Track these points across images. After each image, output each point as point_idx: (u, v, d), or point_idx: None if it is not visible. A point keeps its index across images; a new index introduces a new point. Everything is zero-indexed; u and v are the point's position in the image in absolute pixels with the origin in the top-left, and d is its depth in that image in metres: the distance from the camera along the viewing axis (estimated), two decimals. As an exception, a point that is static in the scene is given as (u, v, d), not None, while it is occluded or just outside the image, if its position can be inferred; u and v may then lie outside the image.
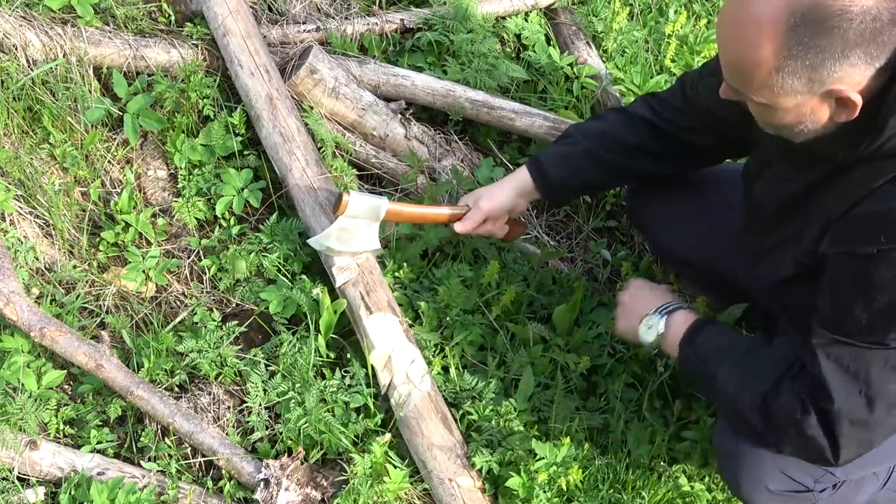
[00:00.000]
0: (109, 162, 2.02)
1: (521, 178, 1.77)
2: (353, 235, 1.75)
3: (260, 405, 1.76)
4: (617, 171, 1.74)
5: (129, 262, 1.89)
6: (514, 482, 1.63)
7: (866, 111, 1.15)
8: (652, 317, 1.54)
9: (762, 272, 1.48)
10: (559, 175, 1.73)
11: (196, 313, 1.84)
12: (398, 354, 1.74)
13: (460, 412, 1.77)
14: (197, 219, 1.99)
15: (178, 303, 1.91)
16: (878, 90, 1.14)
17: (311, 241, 1.79)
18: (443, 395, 1.77)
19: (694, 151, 1.67)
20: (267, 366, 1.79)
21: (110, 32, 2.02)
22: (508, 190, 1.77)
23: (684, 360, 1.47)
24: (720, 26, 1.19)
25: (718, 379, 1.39)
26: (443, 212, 1.79)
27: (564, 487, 1.65)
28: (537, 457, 1.66)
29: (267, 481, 1.64)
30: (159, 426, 1.73)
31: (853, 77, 1.12)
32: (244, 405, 1.77)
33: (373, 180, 2.13)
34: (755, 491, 1.43)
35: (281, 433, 1.73)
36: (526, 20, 2.45)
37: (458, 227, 1.77)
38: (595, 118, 1.85)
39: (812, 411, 1.25)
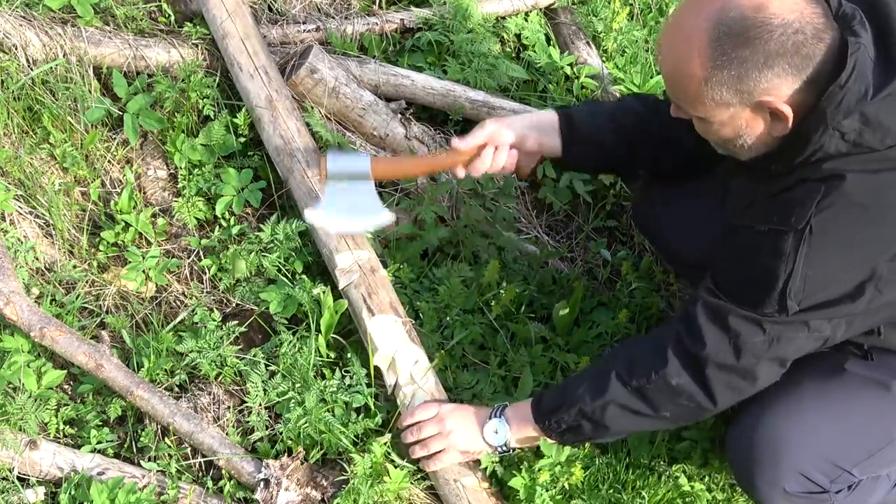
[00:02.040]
0: (109, 162, 2.02)
1: (545, 115, 1.69)
2: (348, 201, 1.67)
3: (260, 405, 1.76)
4: (630, 142, 1.68)
5: (129, 262, 1.89)
6: (515, 482, 1.63)
7: (799, 128, 1.22)
8: (491, 421, 1.59)
9: None
10: (585, 125, 1.66)
11: (196, 313, 1.84)
12: (401, 356, 1.74)
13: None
14: (197, 219, 1.99)
15: (178, 303, 1.91)
16: (809, 105, 1.19)
17: (307, 215, 1.70)
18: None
19: (680, 151, 1.67)
20: (267, 366, 1.79)
21: (110, 32, 2.02)
22: (524, 119, 1.68)
23: (546, 426, 1.53)
24: (659, 43, 1.29)
25: (584, 407, 1.46)
26: (438, 159, 1.71)
27: (567, 487, 1.66)
28: (541, 456, 1.66)
29: (267, 481, 1.64)
30: (159, 426, 1.73)
31: (780, 89, 1.18)
32: (244, 405, 1.77)
33: (373, 180, 2.13)
34: (772, 492, 1.44)
35: (281, 433, 1.73)
36: (526, 20, 2.45)
37: (456, 142, 1.65)
38: (621, 100, 1.88)
39: (671, 358, 1.36)
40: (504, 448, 1.60)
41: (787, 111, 1.20)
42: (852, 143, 1.19)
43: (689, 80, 1.21)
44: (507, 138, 1.64)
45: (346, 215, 1.69)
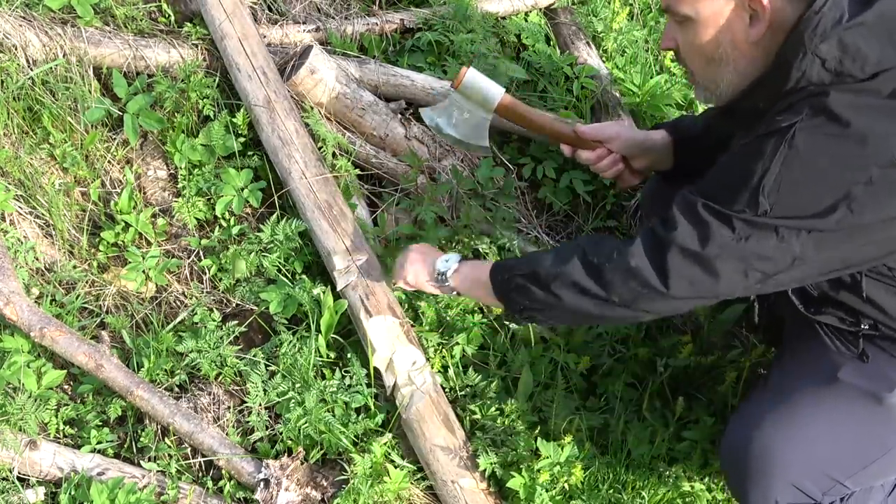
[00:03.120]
0: (109, 162, 2.02)
1: (659, 138, 1.76)
2: (462, 118, 1.72)
3: (260, 405, 1.76)
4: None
5: (129, 262, 1.89)
6: (514, 483, 1.63)
7: (779, 55, 1.25)
8: (447, 254, 1.64)
9: None
10: (693, 127, 1.74)
11: (196, 313, 1.84)
12: (399, 357, 1.74)
13: (465, 411, 1.77)
14: (197, 219, 1.99)
15: (178, 303, 1.91)
16: (787, 22, 1.24)
17: (422, 112, 1.77)
18: (445, 395, 1.77)
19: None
20: (267, 366, 1.79)
21: (110, 32, 2.02)
22: (643, 139, 1.75)
23: (498, 279, 1.52)
24: None
25: (540, 271, 1.45)
26: (557, 125, 1.73)
27: (567, 487, 1.66)
28: (541, 456, 1.66)
29: (267, 481, 1.64)
30: (159, 426, 1.73)
31: None
32: (244, 405, 1.77)
33: (373, 180, 2.13)
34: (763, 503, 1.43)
35: (281, 433, 1.73)
36: (526, 20, 2.45)
37: (579, 125, 1.74)
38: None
39: (637, 240, 1.37)
40: (443, 277, 1.62)
41: (767, 4, 1.24)
42: (834, 73, 1.21)
43: None
44: (620, 149, 1.73)
45: (454, 129, 1.74)
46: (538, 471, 1.64)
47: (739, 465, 1.45)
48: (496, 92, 1.67)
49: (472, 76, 1.65)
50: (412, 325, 1.83)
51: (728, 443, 1.50)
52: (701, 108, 2.31)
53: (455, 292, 1.63)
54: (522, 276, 1.47)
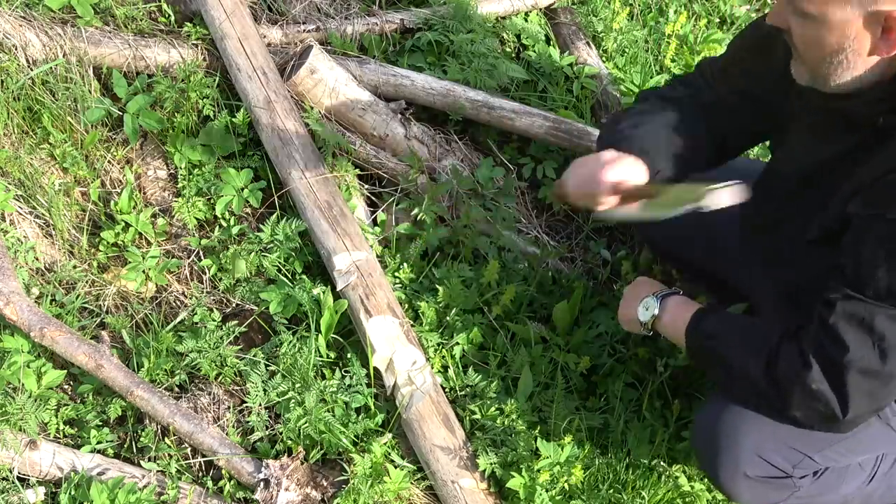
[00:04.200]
0: (109, 162, 2.02)
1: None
2: None
3: (260, 405, 1.76)
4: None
5: (129, 262, 1.89)
6: (514, 483, 1.64)
7: None
8: (649, 299, 1.58)
9: (775, 243, 1.49)
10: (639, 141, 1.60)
11: (196, 313, 1.84)
12: (399, 357, 1.74)
13: (465, 411, 1.76)
14: (197, 219, 1.99)
15: (178, 303, 1.91)
16: None
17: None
18: (445, 395, 1.77)
19: (717, 134, 1.60)
20: (267, 366, 1.79)
21: (110, 32, 2.02)
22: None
23: (691, 342, 1.48)
24: None
25: (726, 357, 1.41)
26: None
27: (567, 487, 1.66)
28: (541, 456, 1.66)
29: (267, 481, 1.64)
30: (159, 426, 1.73)
31: None
32: (244, 405, 1.77)
33: (373, 180, 2.13)
34: (734, 477, 1.43)
35: (281, 433, 1.73)
36: (526, 20, 2.45)
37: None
38: (631, 109, 1.71)
39: (815, 363, 1.27)
40: (646, 329, 1.58)
41: None
42: None
43: None
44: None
45: None
46: (538, 471, 1.64)
47: (709, 441, 1.45)
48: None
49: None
50: (412, 326, 1.83)
51: (699, 420, 1.51)
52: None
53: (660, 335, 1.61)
54: (714, 357, 1.44)
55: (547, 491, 1.63)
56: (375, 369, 1.75)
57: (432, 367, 1.80)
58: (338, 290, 1.80)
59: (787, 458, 1.42)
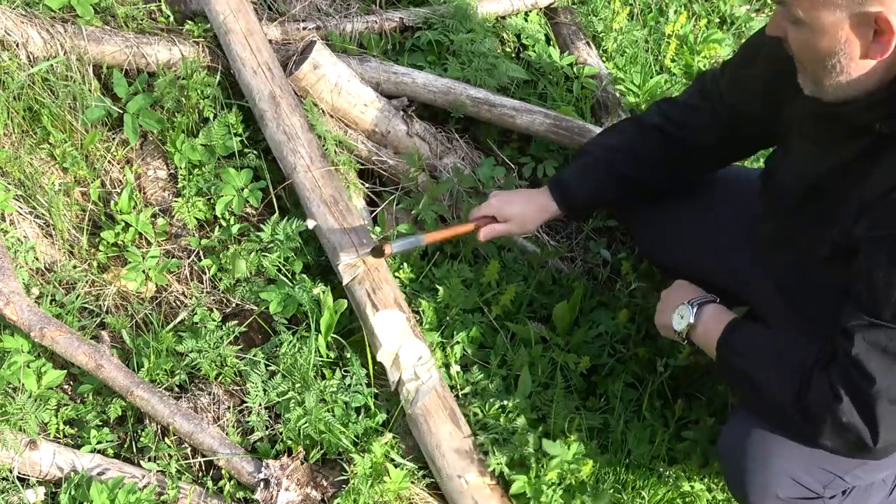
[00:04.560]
0: (109, 162, 2.01)
1: (543, 202, 1.78)
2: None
3: (260, 405, 1.76)
4: (632, 185, 1.73)
5: (129, 262, 1.89)
6: (519, 482, 1.64)
7: None
8: (684, 307, 1.56)
9: (785, 259, 1.48)
10: (581, 194, 1.75)
11: (196, 313, 1.84)
12: (405, 351, 1.73)
13: (467, 409, 1.76)
14: (197, 219, 1.99)
15: (178, 303, 1.91)
16: None
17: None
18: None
19: (698, 156, 1.67)
20: (267, 366, 1.79)
21: (111, 30, 2.01)
22: (523, 203, 1.80)
23: (721, 356, 1.47)
24: None
25: (755, 377, 1.39)
26: (459, 227, 1.82)
27: (573, 483, 1.66)
28: (549, 455, 1.66)
29: (267, 481, 1.65)
30: (159, 426, 1.73)
31: (893, 2, 1.09)
32: (244, 405, 1.77)
33: (373, 179, 2.13)
34: (764, 499, 1.42)
35: (281, 433, 1.73)
36: (526, 20, 2.45)
37: (472, 212, 1.82)
38: (611, 130, 1.84)
39: (845, 396, 1.25)
40: (680, 337, 1.57)
41: (895, 24, 1.10)
42: None
43: None
44: (509, 217, 1.77)
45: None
46: (545, 469, 1.64)
47: (737, 460, 1.44)
48: (419, 240, 1.75)
49: (397, 248, 1.71)
50: (418, 321, 1.82)
51: (726, 438, 1.50)
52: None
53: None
54: (744, 375, 1.43)
55: (553, 490, 1.63)
56: (377, 367, 1.75)
57: (436, 364, 1.80)
58: (344, 284, 1.80)
59: (817, 478, 1.41)
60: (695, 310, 1.54)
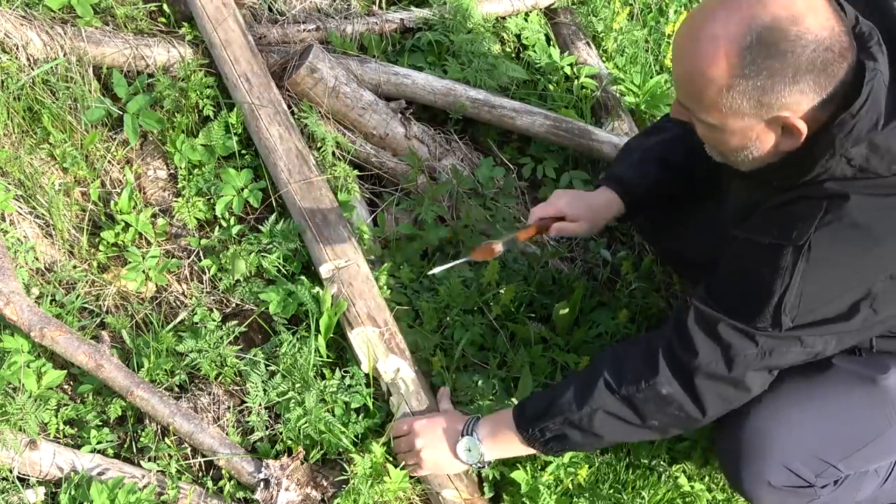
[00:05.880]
0: (109, 162, 2.01)
1: (607, 197, 1.73)
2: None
3: (260, 405, 1.76)
4: (685, 174, 1.70)
5: (129, 262, 1.89)
6: (518, 475, 1.64)
7: (805, 149, 1.19)
8: (462, 440, 1.58)
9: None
10: (640, 185, 1.72)
11: (196, 313, 1.84)
12: (382, 366, 1.75)
13: (464, 412, 1.77)
14: (197, 219, 1.99)
15: (178, 303, 1.91)
16: (819, 124, 1.17)
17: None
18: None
19: None
20: (267, 366, 1.79)
21: (110, 32, 2.02)
22: (588, 205, 1.72)
23: (531, 433, 1.49)
24: (677, 40, 1.22)
25: (572, 416, 1.43)
26: (531, 231, 1.73)
27: (571, 487, 1.65)
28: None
29: (267, 481, 1.64)
30: (159, 426, 1.73)
31: (801, 105, 1.15)
32: (244, 405, 1.77)
33: (373, 180, 2.13)
34: (756, 486, 1.44)
35: (281, 433, 1.73)
36: (526, 20, 2.45)
37: (533, 211, 1.74)
38: (651, 130, 1.82)
39: (661, 366, 1.35)
40: (480, 464, 1.59)
41: (803, 128, 1.16)
42: (858, 168, 1.17)
43: (708, 84, 1.16)
44: (579, 217, 1.70)
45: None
46: (542, 471, 1.64)
47: (733, 449, 1.46)
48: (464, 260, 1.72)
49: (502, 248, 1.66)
50: (406, 328, 1.82)
51: (722, 427, 1.51)
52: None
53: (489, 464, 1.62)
54: (556, 426, 1.46)
55: (551, 492, 1.63)
56: (374, 370, 1.76)
57: (431, 368, 1.80)
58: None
59: (811, 467, 1.43)
60: (473, 432, 1.56)
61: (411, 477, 1.69)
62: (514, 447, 1.55)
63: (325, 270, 1.81)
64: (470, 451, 1.57)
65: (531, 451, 1.54)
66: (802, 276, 1.21)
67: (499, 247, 1.64)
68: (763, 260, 1.25)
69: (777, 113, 1.16)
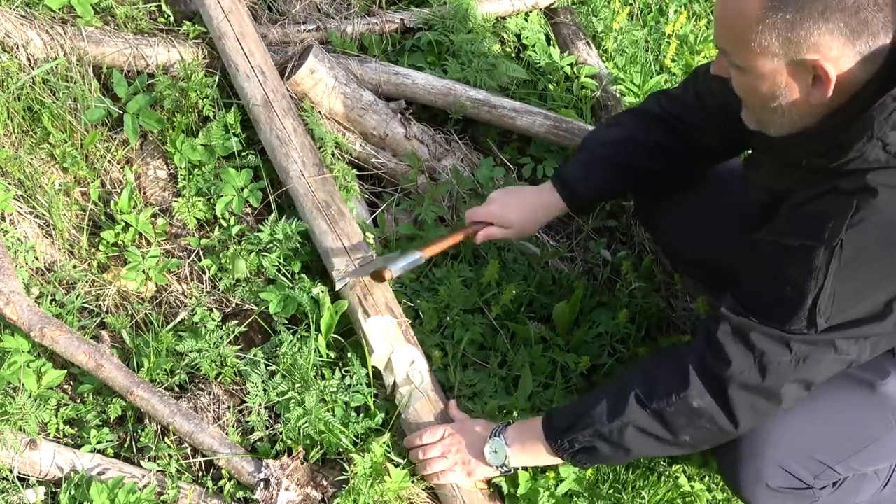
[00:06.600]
0: (109, 162, 2.01)
1: (547, 199, 1.76)
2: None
3: (260, 405, 1.76)
4: (639, 173, 1.73)
5: (129, 262, 1.89)
6: (521, 477, 1.64)
7: (837, 120, 1.18)
8: (490, 441, 1.58)
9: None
10: (586, 188, 1.74)
11: (196, 313, 1.84)
12: (397, 356, 1.74)
13: (466, 411, 1.76)
14: (197, 219, 1.99)
15: (178, 303, 1.91)
16: (854, 84, 1.15)
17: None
18: (446, 394, 1.77)
19: (699, 149, 1.68)
20: (267, 366, 1.79)
21: (110, 32, 2.02)
22: (524, 206, 1.77)
23: (560, 444, 1.49)
24: None
25: (602, 429, 1.43)
26: (457, 234, 1.78)
27: (571, 487, 1.66)
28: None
29: (267, 481, 1.64)
30: (159, 426, 1.73)
31: (830, 48, 1.13)
32: (244, 405, 1.77)
33: (372, 180, 2.13)
34: (755, 488, 1.44)
35: (281, 433, 1.73)
36: (526, 20, 2.45)
37: (468, 213, 1.80)
38: (610, 124, 1.84)
39: (693, 379, 1.32)
40: (505, 468, 1.59)
41: (832, 73, 1.14)
42: (893, 155, 1.15)
43: (742, 18, 1.15)
44: (509, 224, 1.75)
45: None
46: (542, 471, 1.64)
47: (731, 450, 1.46)
48: (418, 259, 1.72)
49: (397, 271, 1.68)
50: (410, 325, 1.83)
51: None
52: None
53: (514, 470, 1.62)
54: (586, 437, 1.45)
55: (551, 494, 1.63)
56: (375, 368, 1.75)
57: (432, 366, 1.80)
58: (336, 289, 1.80)
59: (809, 469, 1.42)
60: (502, 436, 1.57)
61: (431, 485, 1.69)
62: (542, 456, 1.54)
63: (339, 262, 1.80)
64: (496, 452, 1.57)
65: (557, 460, 1.53)
66: (836, 275, 1.20)
67: (394, 269, 1.67)
68: (794, 262, 1.23)
69: (805, 55, 1.14)
